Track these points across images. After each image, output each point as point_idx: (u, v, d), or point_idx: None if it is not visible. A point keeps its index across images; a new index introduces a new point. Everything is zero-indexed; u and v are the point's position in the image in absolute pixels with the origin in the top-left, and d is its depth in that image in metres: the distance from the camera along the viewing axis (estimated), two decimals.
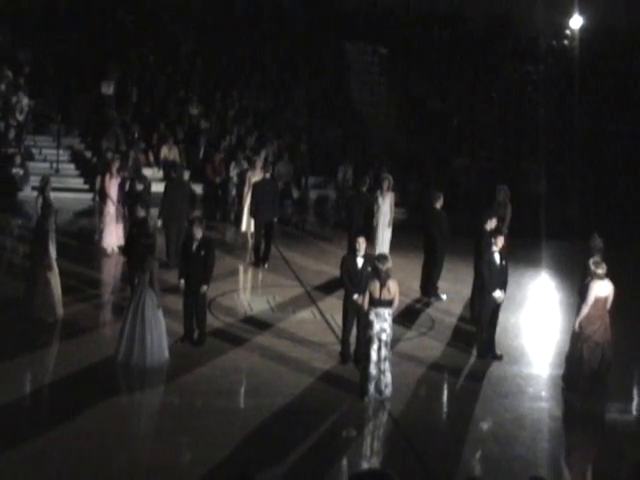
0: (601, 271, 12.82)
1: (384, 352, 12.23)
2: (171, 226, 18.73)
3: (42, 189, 17.81)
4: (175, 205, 18.87)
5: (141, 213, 16.24)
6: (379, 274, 12.25)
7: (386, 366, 12.25)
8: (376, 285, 12.23)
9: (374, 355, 12.18)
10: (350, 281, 13.37)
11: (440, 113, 31.99)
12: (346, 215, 20.06)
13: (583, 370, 12.95)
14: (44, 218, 15.11)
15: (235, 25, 33.21)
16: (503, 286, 14.08)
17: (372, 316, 12.24)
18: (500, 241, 14.03)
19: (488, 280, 14.03)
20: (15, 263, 18.73)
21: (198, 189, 26.55)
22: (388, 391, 12.31)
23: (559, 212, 25.06)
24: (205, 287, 13.94)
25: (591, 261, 13.04)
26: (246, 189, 21.55)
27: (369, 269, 13.09)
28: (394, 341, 12.83)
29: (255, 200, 19.51)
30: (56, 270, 14.87)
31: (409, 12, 35.95)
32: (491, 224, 15.64)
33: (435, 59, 34.24)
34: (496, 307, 14.19)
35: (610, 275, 12.99)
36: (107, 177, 19.69)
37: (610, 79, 33.06)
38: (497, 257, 14.02)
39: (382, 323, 12.22)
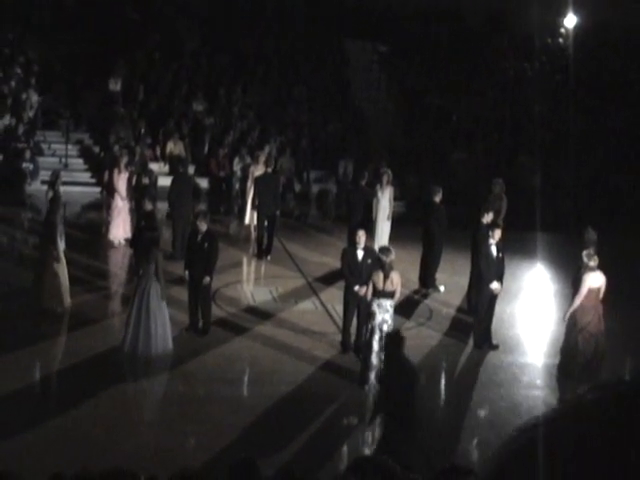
0: (593, 263, 13.06)
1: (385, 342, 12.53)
2: (178, 219, 19.04)
3: (53, 183, 18.03)
4: (182, 199, 19.19)
5: (148, 206, 16.54)
6: (382, 266, 12.49)
7: None
8: (380, 276, 12.43)
9: (375, 345, 12.36)
10: (350, 273, 13.59)
11: (438, 108, 32.18)
12: (346, 208, 20.25)
13: (577, 360, 13.18)
14: (52, 211, 15.38)
15: (237, 23, 33.41)
16: (500, 278, 14.28)
17: (374, 307, 12.46)
18: (497, 234, 14.22)
19: (485, 272, 14.22)
20: (24, 255, 18.99)
21: (203, 183, 26.77)
22: None
23: (554, 206, 25.22)
24: (207, 278, 14.13)
25: (584, 253, 13.28)
26: (249, 183, 21.79)
27: (369, 261, 13.34)
28: None
29: (258, 194, 19.77)
30: (64, 261, 15.06)
31: (408, 10, 36.06)
32: (488, 217, 15.81)
33: (433, 56, 34.43)
34: (493, 298, 14.40)
35: (604, 267, 13.21)
36: (115, 172, 19.94)
37: (603, 76, 33.24)
38: (494, 249, 14.21)
39: (384, 314, 12.44)
